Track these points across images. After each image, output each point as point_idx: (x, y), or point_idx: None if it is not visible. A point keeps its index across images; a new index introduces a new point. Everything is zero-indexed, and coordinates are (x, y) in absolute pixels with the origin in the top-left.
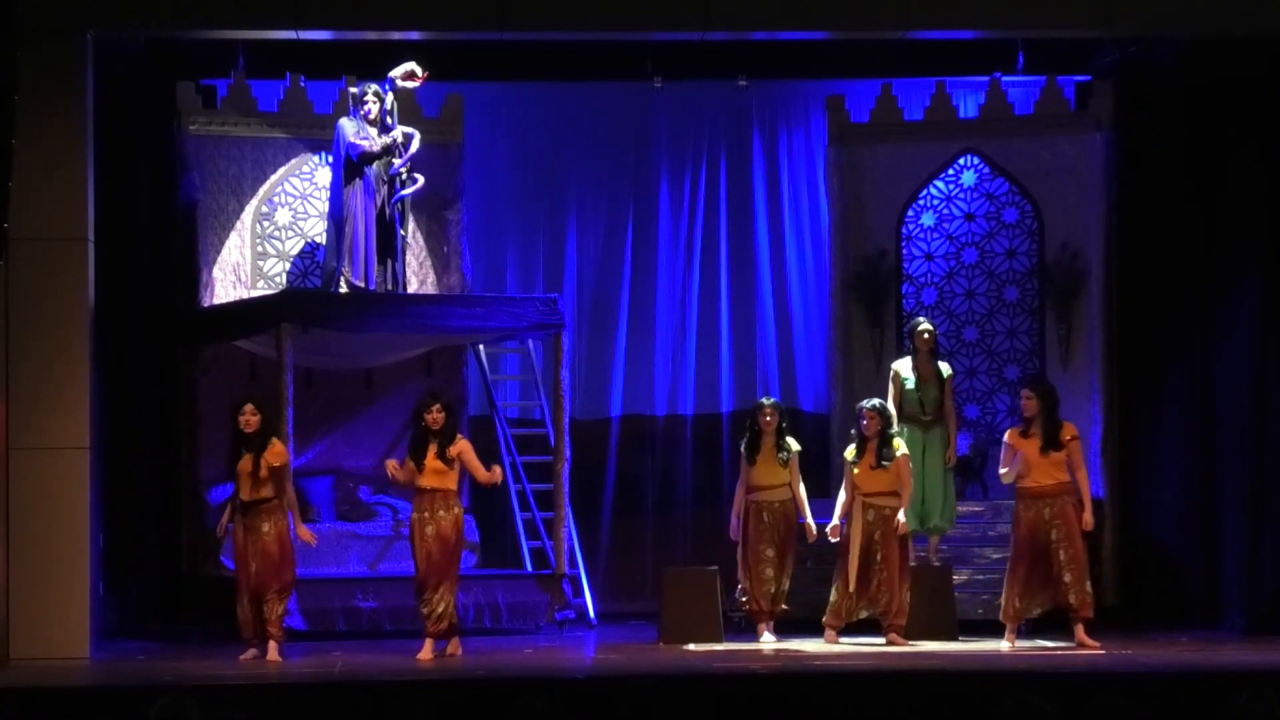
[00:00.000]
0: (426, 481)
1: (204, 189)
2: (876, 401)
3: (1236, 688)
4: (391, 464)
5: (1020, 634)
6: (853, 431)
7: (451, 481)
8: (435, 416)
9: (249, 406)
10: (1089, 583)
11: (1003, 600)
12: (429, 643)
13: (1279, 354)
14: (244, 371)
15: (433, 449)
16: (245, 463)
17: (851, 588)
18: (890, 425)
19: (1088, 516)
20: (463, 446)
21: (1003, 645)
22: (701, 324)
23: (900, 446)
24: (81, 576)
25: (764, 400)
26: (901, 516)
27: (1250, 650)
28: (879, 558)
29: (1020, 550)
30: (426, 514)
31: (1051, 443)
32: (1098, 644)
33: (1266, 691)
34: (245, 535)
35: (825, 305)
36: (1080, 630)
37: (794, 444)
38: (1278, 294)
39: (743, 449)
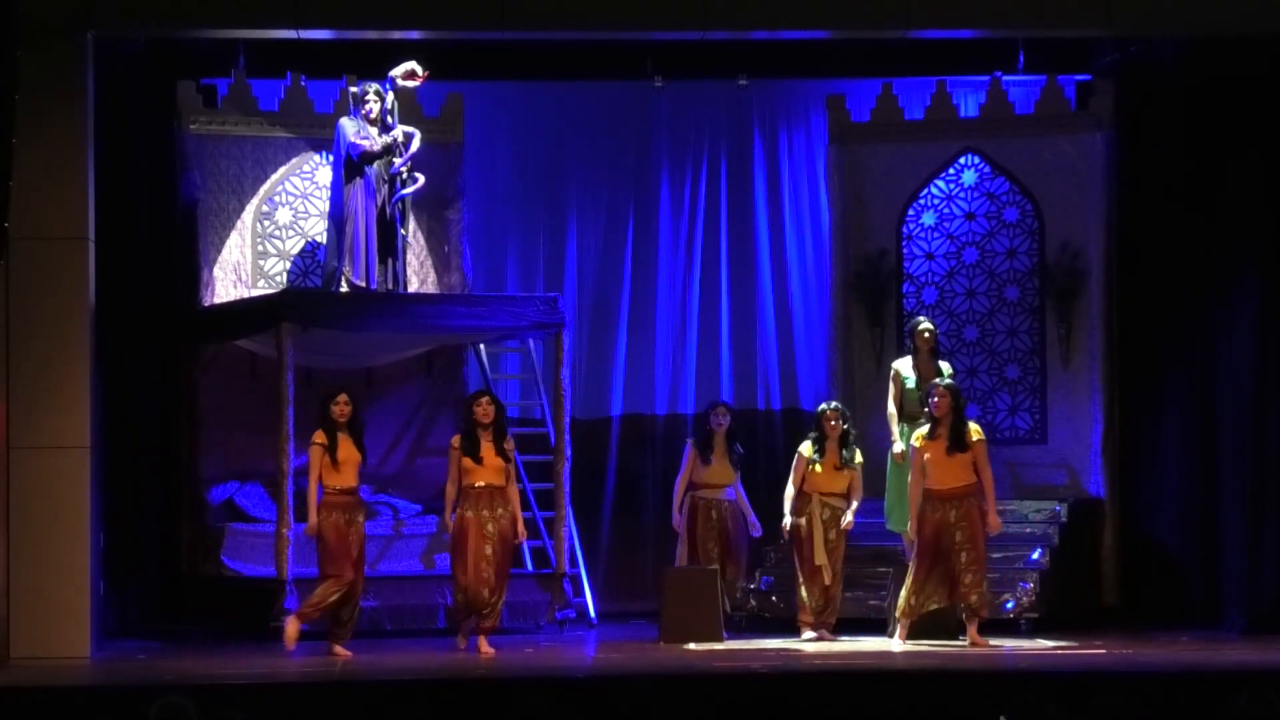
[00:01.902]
0: (485, 478)
1: (204, 188)
2: (837, 403)
3: (1237, 687)
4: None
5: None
6: (812, 433)
7: (505, 478)
8: (485, 409)
9: (343, 397)
10: (986, 584)
11: (900, 598)
12: (483, 639)
13: (1279, 353)
14: (244, 371)
15: (487, 445)
16: (349, 450)
17: (828, 580)
18: (851, 427)
19: (992, 519)
20: (512, 443)
21: (894, 643)
22: (702, 323)
23: (858, 454)
24: (82, 576)
25: (719, 403)
26: (849, 517)
27: (1250, 650)
28: (831, 555)
29: (925, 551)
30: (486, 512)
31: (958, 444)
32: (988, 642)
33: (1267, 691)
34: (347, 527)
35: (826, 304)
36: (974, 630)
37: (740, 449)
38: (1278, 294)
39: (693, 447)
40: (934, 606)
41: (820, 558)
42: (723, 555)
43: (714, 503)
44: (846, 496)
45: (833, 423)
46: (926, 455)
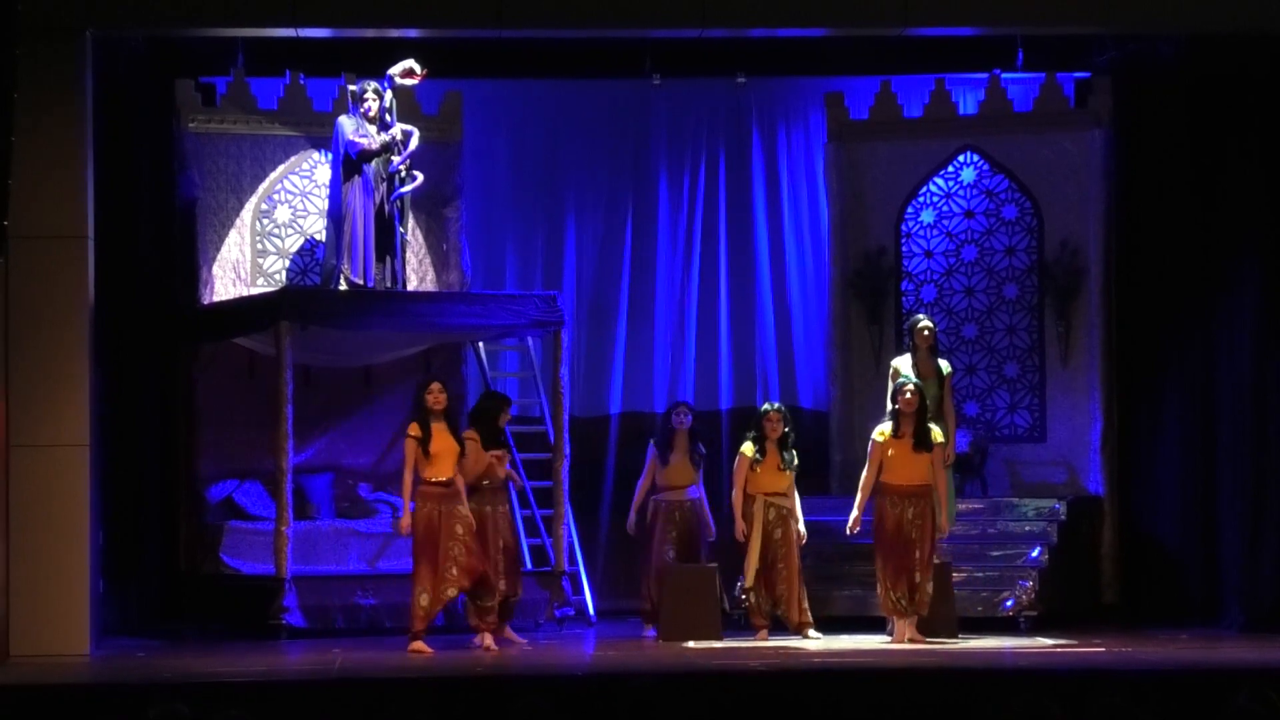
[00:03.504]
0: (499, 475)
1: (203, 186)
2: (780, 405)
3: (1236, 685)
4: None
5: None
6: (751, 433)
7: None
8: (506, 418)
9: (436, 385)
10: (930, 584)
11: (880, 597)
12: (507, 628)
13: (1278, 351)
14: (243, 369)
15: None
16: (446, 439)
17: (750, 582)
18: (791, 428)
19: (943, 520)
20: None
21: (883, 639)
22: (701, 321)
23: (796, 456)
24: (81, 574)
25: (680, 402)
26: (801, 528)
27: (1250, 648)
28: (780, 555)
29: (888, 546)
30: (489, 508)
31: (923, 444)
32: (925, 639)
33: (1266, 689)
34: (443, 518)
35: (825, 302)
36: (913, 626)
37: (702, 449)
38: (1277, 291)
39: (654, 447)
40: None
41: (754, 558)
42: (680, 558)
43: (675, 504)
44: (787, 495)
45: (774, 424)
46: (890, 451)
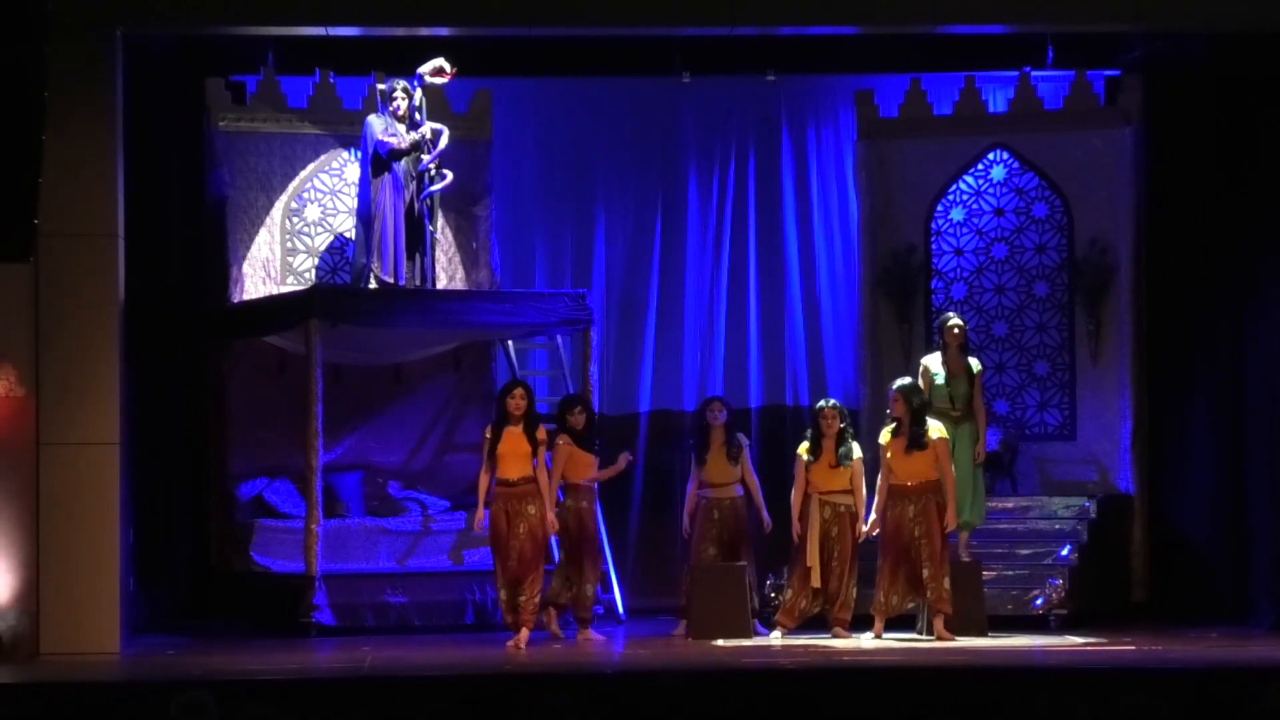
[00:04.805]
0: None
1: (233, 185)
2: (835, 401)
3: (1267, 683)
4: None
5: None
6: (807, 432)
7: None
8: (577, 419)
9: (519, 390)
10: (947, 580)
11: (875, 594)
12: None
13: None
14: (273, 367)
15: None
16: (516, 441)
17: (815, 583)
18: (848, 424)
19: (949, 517)
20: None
21: (865, 637)
22: (730, 319)
23: (857, 450)
24: (111, 571)
25: (713, 398)
26: (863, 525)
27: None
28: (835, 554)
29: (887, 546)
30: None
31: (915, 442)
32: (953, 636)
33: None
34: (510, 519)
35: (854, 300)
36: (940, 625)
37: (744, 439)
38: None
39: (693, 447)
40: (909, 606)
41: (812, 559)
42: (723, 556)
43: (715, 502)
44: (850, 493)
45: (830, 420)
46: (889, 453)
